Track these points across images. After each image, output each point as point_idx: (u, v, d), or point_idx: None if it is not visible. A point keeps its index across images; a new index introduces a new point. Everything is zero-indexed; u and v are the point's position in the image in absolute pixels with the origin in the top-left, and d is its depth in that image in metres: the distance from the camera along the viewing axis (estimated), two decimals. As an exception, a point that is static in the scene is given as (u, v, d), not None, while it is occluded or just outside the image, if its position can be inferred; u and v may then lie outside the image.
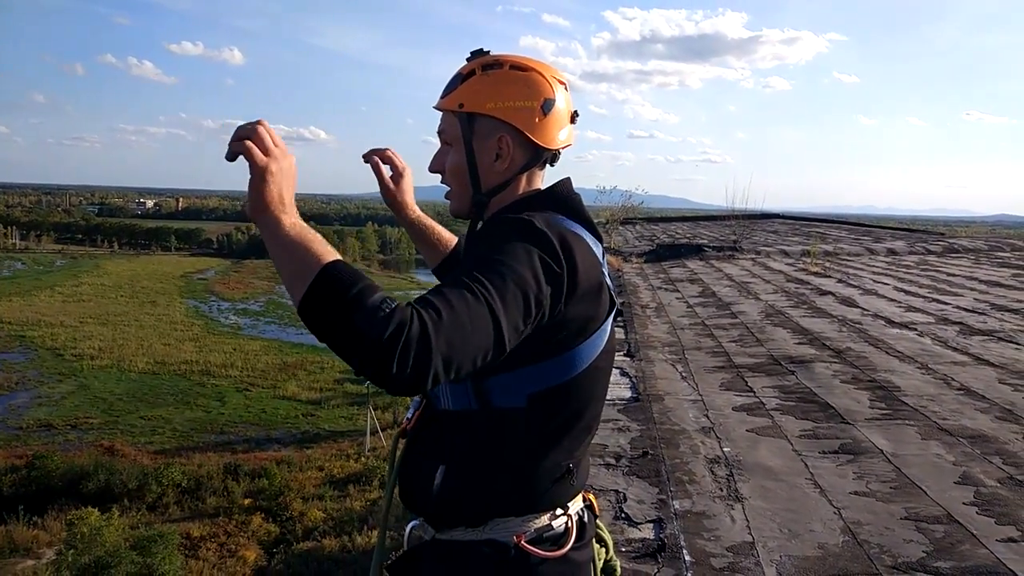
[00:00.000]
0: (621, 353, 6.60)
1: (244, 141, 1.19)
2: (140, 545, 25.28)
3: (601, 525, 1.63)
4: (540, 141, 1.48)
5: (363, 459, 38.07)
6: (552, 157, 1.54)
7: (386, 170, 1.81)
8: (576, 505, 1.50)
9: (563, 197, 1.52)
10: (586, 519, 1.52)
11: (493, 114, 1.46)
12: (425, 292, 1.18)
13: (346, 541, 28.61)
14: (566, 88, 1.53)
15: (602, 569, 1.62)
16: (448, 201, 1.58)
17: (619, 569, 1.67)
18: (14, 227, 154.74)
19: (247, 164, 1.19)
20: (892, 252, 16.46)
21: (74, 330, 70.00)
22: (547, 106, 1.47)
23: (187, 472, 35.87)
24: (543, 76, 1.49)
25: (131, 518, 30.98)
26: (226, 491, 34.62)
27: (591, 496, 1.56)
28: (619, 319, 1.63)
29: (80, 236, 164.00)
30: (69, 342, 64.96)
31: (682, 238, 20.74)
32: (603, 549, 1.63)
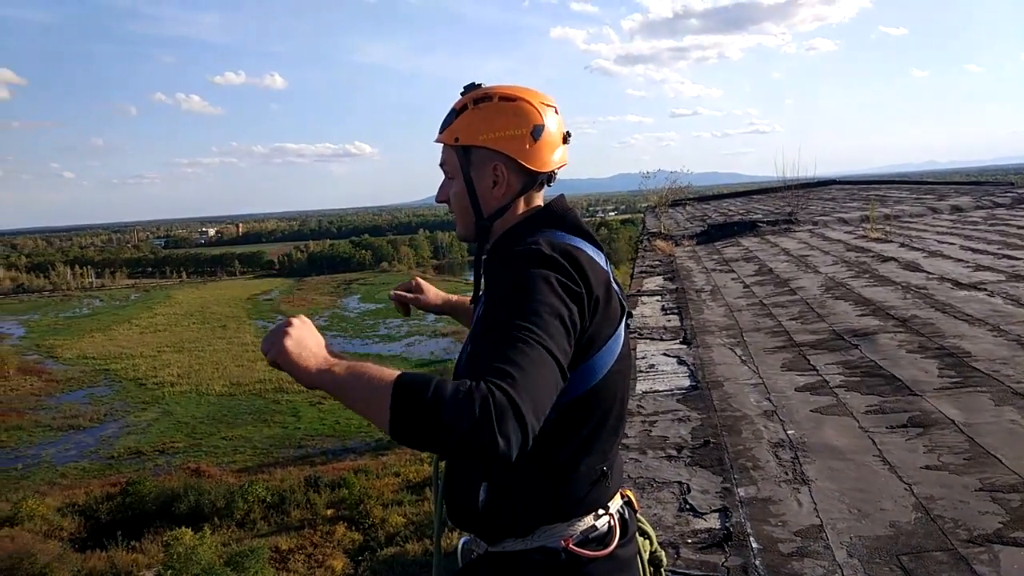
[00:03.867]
0: (678, 340, 6.56)
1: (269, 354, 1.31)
2: (233, 561, 26.14)
3: (642, 519, 1.69)
4: (532, 166, 1.57)
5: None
6: (548, 177, 1.63)
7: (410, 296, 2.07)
8: (616, 504, 1.57)
9: (560, 214, 1.61)
10: (627, 515, 1.58)
11: (486, 145, 1.56)
12: (485, 353, 1.26)
13: (428, 544, 29.00)
14: (556, 111, 1.62)
15: (648, 560, 1.67)
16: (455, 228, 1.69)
17: (664, 559, 1.73)
18: (89, 266, 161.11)
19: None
20: (957, 209, 15.90)
21: (153, 359, 72.56)
22: (536, 132, 1.56)
23: (270, 487, 36.91)
24: (531, 104, 1.58)
25: (222, 535, 31.98)
26: (309, 503, 35.52)
27: (628, 492, 1.63)
28: (629, 321, 1.66)
29: (150, 269, 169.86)
30: (150, 371, 67.40)
31: (735, 215, 20.41)
32: (647, 541, 1.69)
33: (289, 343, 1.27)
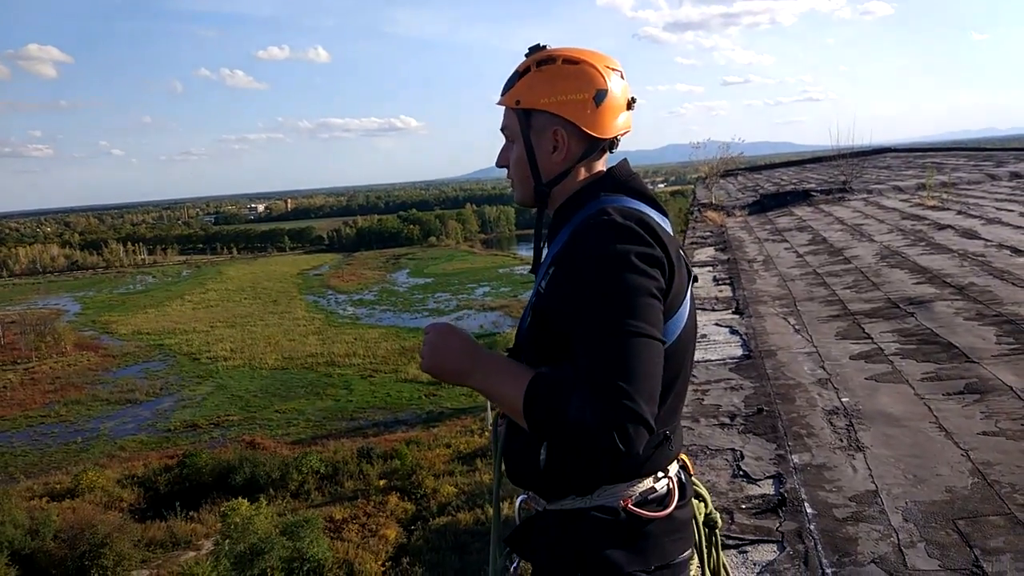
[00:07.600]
0: (730, 310, 6.56)
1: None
2: (289, 531, 26.85)
3: (697, 482, 1.71)
4: (594, 132, 1.54)
5: (487, 433, 38.96)
6: (610, 144, 1.60)
7: None
8: (674, 467, 1.58)
9: (623, 179, 1.59)
10: (683, 479, 1.60)
11: (548, 108, 1.54)
12: (594, 355, 1.32)
13: (479, 514, 29.47)
14: (621, 76, 1.59)
15: (704, 522, 1.70)
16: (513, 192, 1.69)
17: (720, 521, 1.75)
18: (141, 243, 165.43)
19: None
20: (1016, 176, 15.41)
21: (206, 334, 74.43)
22: (600, 97, 1.53)
23: (324, 459, 37.80)
24: (595, 67, 1.54)
25: (278, 506, 32.86)
26: (362, 474, 36.32)
27: (684, 456, 1.64)
28: (696, 284, 1.69)
29: (201, 245, 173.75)
30: (203, 346, 69.17)
31: (787, 184, 20.09)
32: (701, 504, 1.71)
33: (425, 361, 1.53)
